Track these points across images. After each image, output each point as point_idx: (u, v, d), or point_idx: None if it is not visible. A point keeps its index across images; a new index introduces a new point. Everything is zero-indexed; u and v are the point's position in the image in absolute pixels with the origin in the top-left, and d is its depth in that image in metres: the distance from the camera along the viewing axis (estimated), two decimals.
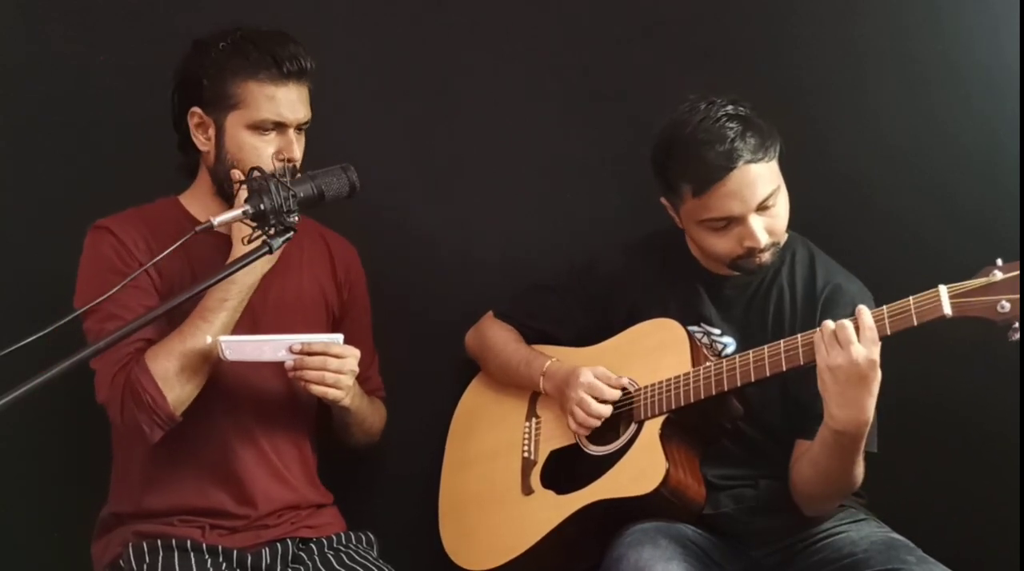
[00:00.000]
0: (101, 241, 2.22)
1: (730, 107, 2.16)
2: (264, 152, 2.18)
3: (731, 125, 2.14)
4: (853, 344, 1.93)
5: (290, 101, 2.20)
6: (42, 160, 2.60)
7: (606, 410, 2.25)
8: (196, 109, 2.21)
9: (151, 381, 2.10)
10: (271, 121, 2.18)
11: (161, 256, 1.87)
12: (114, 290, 1.84)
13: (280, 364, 2.15)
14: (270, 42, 2.19)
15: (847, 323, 1.95)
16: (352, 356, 2.16)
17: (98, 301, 1.99)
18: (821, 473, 2.09)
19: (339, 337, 2.15)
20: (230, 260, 2.13)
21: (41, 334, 1.67)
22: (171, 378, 2.11)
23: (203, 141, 2.22)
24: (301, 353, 2.12)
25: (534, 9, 2.67)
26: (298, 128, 2.22)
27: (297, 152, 2.20)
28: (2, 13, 2.58)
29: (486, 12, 2.66)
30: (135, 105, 2.56)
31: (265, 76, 2.17)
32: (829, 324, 1.97)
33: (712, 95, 2.19)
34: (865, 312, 1.95)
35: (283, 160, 2.18)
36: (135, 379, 2.10)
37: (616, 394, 2.26)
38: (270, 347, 2.11)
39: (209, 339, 2.10)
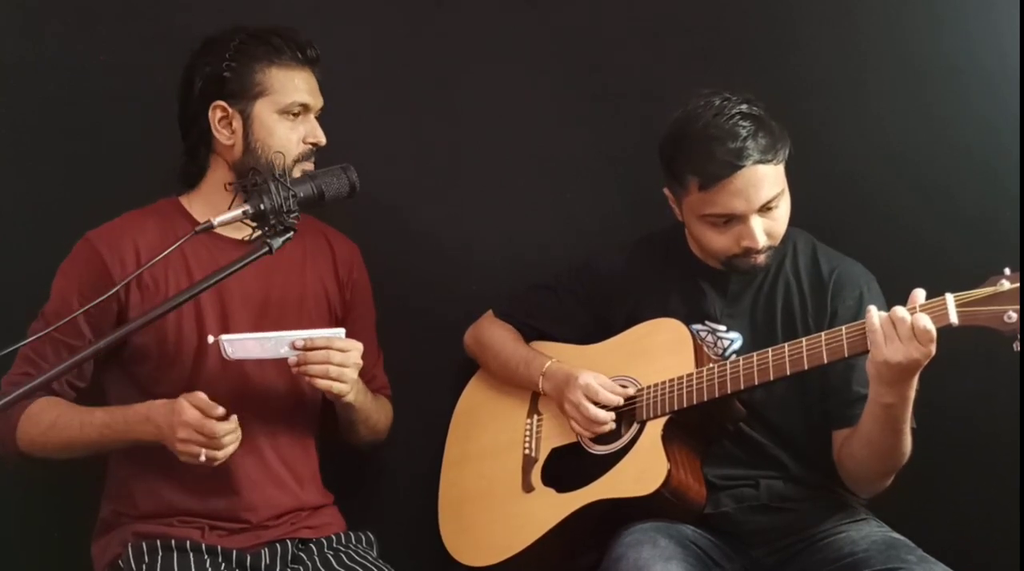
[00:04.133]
0: (78, 258, 2.22)
1: (745, 106, 2.17)
2: (294, 137, 2.22)
3: (744, 123, 2.14)
4: (913, 341, 1.92)
5: (311, 86, 2.25)
6: (42, 160, 2.60)
7: (604, 415, 2.25)
8: (220, 102, 2.21)
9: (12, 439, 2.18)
10: (299, 103, 2.22)
11: (149, 264, 1.93)
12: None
13: (284, 364, 2.14)
14: (285, 30, 2.24)
15: (906, 317, 1.93)
16: (355, 349, 2.17)
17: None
18: (876, 450, 2.09)
19: (341, 331, 2.16)
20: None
21: (19, 346, 1.70)
22: (29, 446, 2.18)
23: (227, 135, 2.22)
24: (304, 349, 2.12)
25: (535, 9, 2.67)
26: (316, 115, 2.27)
27: (323, 136, 2.24)
28: (2, 13, 2.58)
29: (487, 12, 2.66)
30: (135, 105, 2.57)
31: (289, 61, 2.22)
32: (881, 314, 1.96)
33: (727, 92, 2.20)
34: (924, 317, 1.92)
35: (311, 144, 2.23)
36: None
37: (614, 400, 2.26)
38: (272, 344, 2.11)
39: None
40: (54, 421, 2.16)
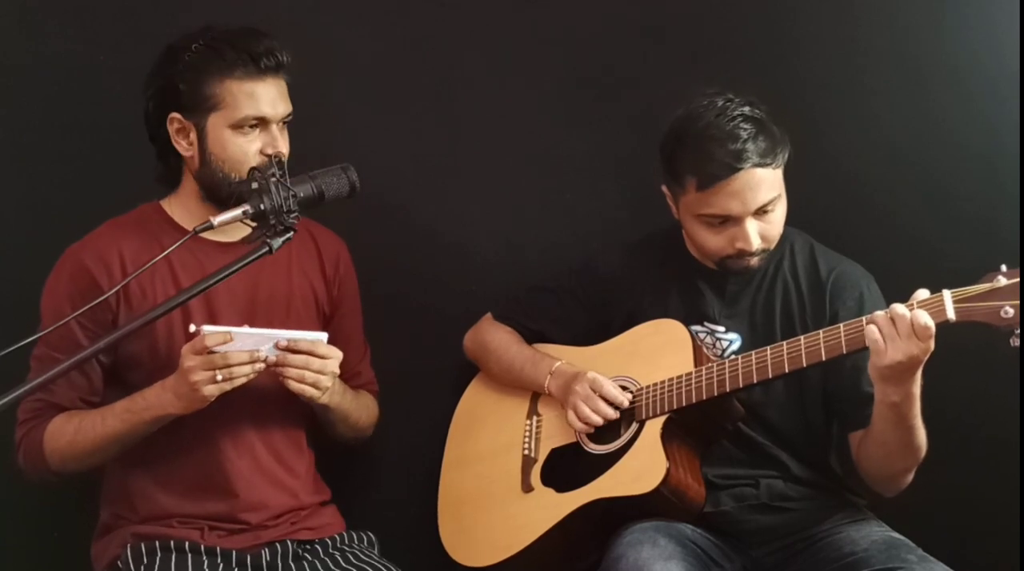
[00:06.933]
0: (64, 273, 2.21)
1: (747, 108, 2.17)
2: (249, 150, 2.17)
3: (745, 126, 2.14)
4: (913, 337, 1.92)
5: (270, 97, 2.18)
6: (42, 160, 2.60)
7: (608, 411, 2.25)
8: (175, 114, 2.19)
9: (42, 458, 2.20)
10: (252, 118, 2.16)
11: (140, 270, 1.96)
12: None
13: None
14: (243, 39, 2.18)
15: (906, 313, 1.93)
16: (335, 358, 2.16)
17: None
18: (892, 449, 2.09)
19: (323, 336, 2.15)
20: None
21: (8, 350, 1.74)
22: (61, 461, 2.20)
23: (185, 146, 2.20)
24: (286, 350, 2.11)
25: (534, 9, 2.67)
26: (281, 122, 2.21)
27: (283, 147, 2.19)
28: (2, 13, 2.58)
29: (487, 11, 2.66)
30: (135, 105, 2.56)
31: (242, 73, 2.16)
32: (878, 316, 1.96)
33: (730, 93, 2.20)
34: (922, 313, 1.92)
35: (269, 156, 2.16)
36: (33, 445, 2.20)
37: (618, 396, 2.25)
38: (254, 340, 2.10)
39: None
40: (77, 427, 2.17)
